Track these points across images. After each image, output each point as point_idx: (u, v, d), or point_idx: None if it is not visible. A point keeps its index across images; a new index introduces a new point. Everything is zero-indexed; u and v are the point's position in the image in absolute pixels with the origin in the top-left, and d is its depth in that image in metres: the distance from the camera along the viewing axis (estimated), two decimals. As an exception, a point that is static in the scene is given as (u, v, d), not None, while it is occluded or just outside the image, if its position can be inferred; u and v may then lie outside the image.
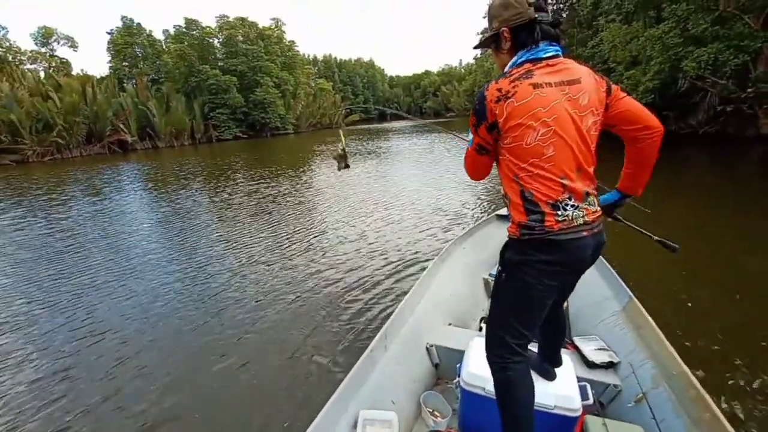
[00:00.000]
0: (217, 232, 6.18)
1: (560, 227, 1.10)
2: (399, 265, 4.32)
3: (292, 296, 3.76)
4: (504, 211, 3.90)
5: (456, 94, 58.22)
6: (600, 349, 2.01)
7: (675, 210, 5.71)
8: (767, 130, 10.92)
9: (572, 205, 1.11)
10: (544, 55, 1.09)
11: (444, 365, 2.06)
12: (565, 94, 1.07)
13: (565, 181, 1.10)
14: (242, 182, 10.84)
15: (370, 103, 69.24)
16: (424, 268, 3.00)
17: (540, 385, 1.43)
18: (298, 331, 3.12)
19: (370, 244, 5.13)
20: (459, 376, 1.65)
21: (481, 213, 6.21)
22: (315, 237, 5.60)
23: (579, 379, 1.64)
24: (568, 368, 1.61)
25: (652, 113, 1.22)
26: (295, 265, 4.56)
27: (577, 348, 2.02)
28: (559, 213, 1.10)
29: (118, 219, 7.52)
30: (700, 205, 6.06)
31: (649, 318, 1.92)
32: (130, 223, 7.16)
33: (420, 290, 2.39)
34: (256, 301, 3.71)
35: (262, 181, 10.76)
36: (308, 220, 6.54)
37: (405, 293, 3.32)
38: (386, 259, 4.52)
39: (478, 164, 1.29)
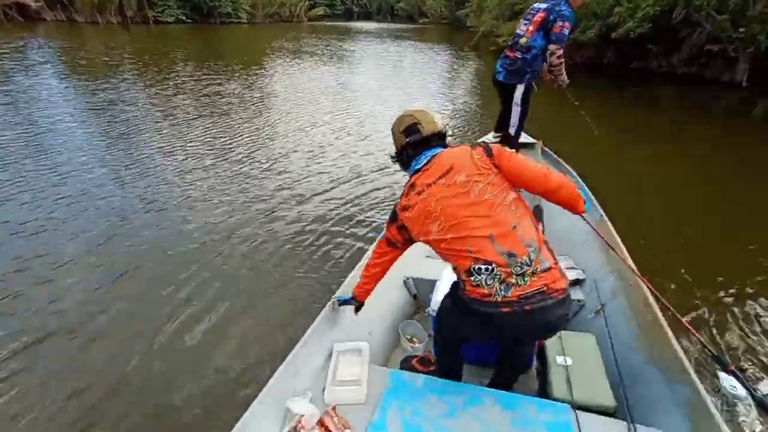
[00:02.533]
0: (154, 133, 5.59)
1: (475, 295, 1.18)
2: (371, 187, 4.21)
3: (253, 220, 3.56)
4: (485, 139, 3.80)
5: (433, -4, 52.85)
6: (569, 268, 2.14)
7: (638, 147, 5.94)
8: (742, 76, 11.26)
9: (486, 269, 1.16)
10: (418, 166, 1.31)
11: (422, 295, 2.15)
12: (443, 185, 1.22)
13: (473, 254, 1.18)
14: (186, 77, 9.63)
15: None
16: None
17: None
18: (262, 262, 3.00)
19: (338, 159, 4.91)
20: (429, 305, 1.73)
21: (460, 135, 6.10)
22: (275, 147, 5.27)
23: None
24: None
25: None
26: (254, 181, 4.30)
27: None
28: (473, 278, 1.18)
29: (31, 108, 6.48)
30: (667, 141, 6.33)
31: (616, 235, 2.06)
32: (47, 114, 6.21)
33: None
34: (209, 221, 3.50)
35: (209, 77, 9.62)
36: (268, 128, 6.09)
37: (377, 222, 3.35)
38: (359, 179, 4.38)
39: (380, 254, 1.46)
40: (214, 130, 5.74)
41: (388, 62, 14.37)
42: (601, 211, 2.32)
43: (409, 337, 1.90)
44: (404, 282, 2.17)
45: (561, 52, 2.89)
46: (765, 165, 5.46)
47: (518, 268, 1.13)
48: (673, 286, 2.72)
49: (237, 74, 10.33)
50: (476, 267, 1.17)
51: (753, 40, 10.35)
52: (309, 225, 3.39)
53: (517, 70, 3.10)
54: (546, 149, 3.50)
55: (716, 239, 3.52)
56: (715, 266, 3.06)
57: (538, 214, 2.63)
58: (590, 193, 2.50)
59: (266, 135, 5.73)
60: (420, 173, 1.29)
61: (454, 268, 1.27)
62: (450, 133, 6.17)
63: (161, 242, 3.09)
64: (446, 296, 1.40)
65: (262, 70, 11.46)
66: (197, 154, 4.81)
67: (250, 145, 5.24)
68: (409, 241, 1.39)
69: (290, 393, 1.38)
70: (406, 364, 1.68)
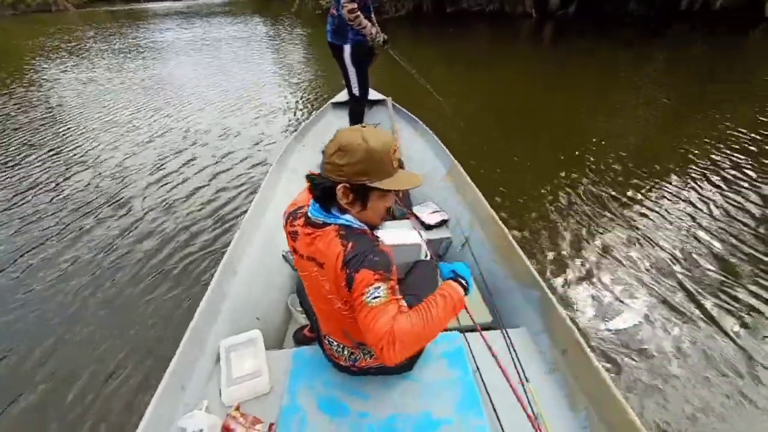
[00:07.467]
0: None
1: (327, 351, 1.36)
2: (227, 185, 3.95)
3: (104, 246, 3.16)
4: (339, 98, 3.82)
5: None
6: (434, 211, 2.47)
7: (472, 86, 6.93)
8: (530, 9, 13.85)
9: (337, 344, 1.30)
10: (311, 217, 1.06)
11: None
12: (315, 273, 1.10)
13: (327, 329, 1.30)
14: None
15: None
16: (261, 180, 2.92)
17: None
18: (124, 284, 2.73)
19: (181, 168, 4.41)
20: None
21: (311, 105, 6.11)
22: (101, 170, 4.48)
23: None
24: (411, 233, 1.91)
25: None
26: (90, 211, 3.68)
27: (416, 216, 2.43)
28: (327, 340, 1.34)
29: None
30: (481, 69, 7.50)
31: (467, 176, 2.45)
32: None
33: (263, 200, 2.38)
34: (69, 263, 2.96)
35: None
36: (77, 150, 5.09)
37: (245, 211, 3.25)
38: (210, 183, 4.04)
39: None
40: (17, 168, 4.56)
41: (206, 46, 12.96)
42: (452, 158, 2.67)
43: (300, 309, 1.91)
44: (283, 257, 2.20)
45: (352, 6, 2.83)
46: (556, 79, 6.98)
47: (366, 349, 1.28)
48: (507, 203, 3.31)
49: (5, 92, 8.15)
50: (329, 338, 1.31)
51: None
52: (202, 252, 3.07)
53: (338, 30, 3.08)
54: (397, 105, 3.66)
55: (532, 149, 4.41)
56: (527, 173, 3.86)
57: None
58: (443, 145, 2.85)
59: (98, 159, 4.79)
60: (309, 229, 1.07)
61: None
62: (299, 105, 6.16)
63: None
64: None
65: (39, 79, 9.20)
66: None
67: (86, 178, 4.35)
68: None
69: (181, 409, 1.30)
70: (300, 335, 1.73)
